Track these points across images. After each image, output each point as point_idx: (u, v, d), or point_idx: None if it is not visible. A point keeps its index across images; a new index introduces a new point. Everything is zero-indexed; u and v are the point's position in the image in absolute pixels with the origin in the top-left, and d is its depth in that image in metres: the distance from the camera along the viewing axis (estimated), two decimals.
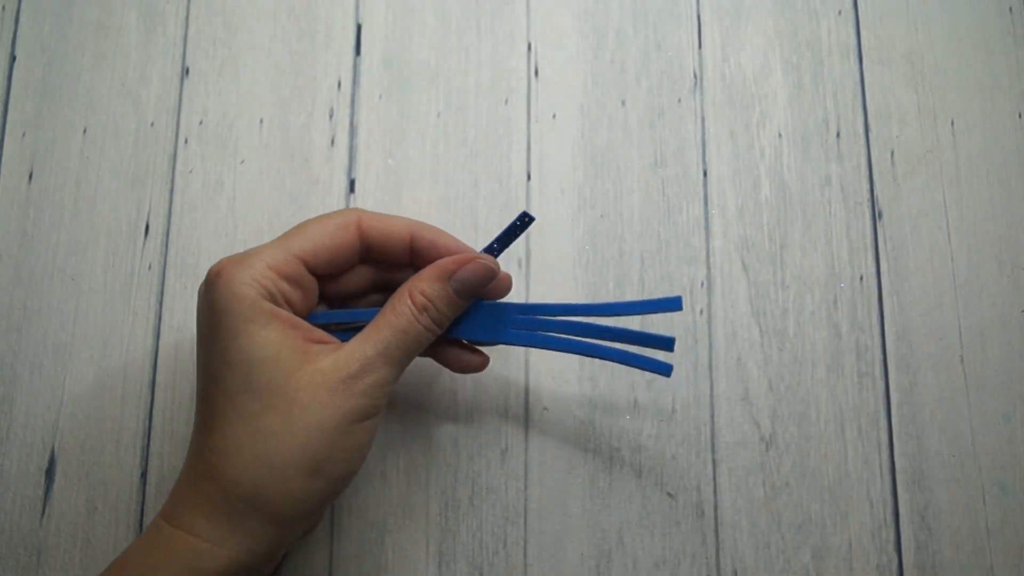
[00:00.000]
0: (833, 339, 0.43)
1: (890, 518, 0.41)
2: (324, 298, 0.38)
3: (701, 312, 0.43)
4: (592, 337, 0.36)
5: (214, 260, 0.43)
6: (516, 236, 0.36)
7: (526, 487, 0.41)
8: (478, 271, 0.35)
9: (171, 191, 0.44)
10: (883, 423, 0.42)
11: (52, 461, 0.41)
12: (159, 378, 0.42)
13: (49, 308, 0.43)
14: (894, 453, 0.42)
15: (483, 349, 0.39)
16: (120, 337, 0.42)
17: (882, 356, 0.43)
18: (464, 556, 0.40)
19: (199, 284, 0.43)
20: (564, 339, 0.36)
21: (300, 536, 0.35)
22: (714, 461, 0.42)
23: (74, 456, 0.41)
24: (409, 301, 0.34)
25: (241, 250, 0.43)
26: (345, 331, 0.36)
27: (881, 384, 0.43)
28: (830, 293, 0.44)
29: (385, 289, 0.38)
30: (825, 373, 0.43)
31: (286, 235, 0.35)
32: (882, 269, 0.44)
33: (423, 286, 0.34)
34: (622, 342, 0.36)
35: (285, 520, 0.33)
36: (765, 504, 0.41)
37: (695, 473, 0.42)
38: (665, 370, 0.36)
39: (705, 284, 0.44)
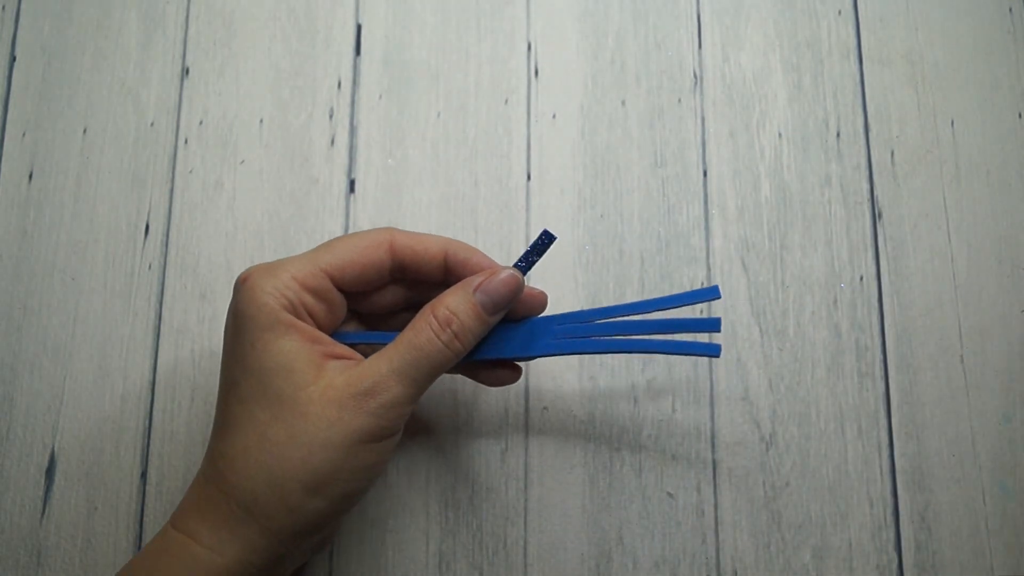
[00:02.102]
0: (833, 339, 0.43)
1: (890, 518, 0.41)
2: (356, 315, 0.37)
3: (701, 312, 0.43)
4: (633, 334, 0.35)
5: (214, 260, 0.43)
6: (540, 254, 0.36)
7: (526, 487, 0.41)
8: (506, 283, 0.34)
9: (171, 191, 0.44)
10: (883, 423, 0.42)
11: (52, 461, 0.41)
12: (159, 378, 0.42)
13: (49, 308, 0.43)
14: (894, 453, 0.42)
15: (518, 363, 0.38)
16: (120, 337, 0.43)
17: (882, 356, 0.43)
18: (464, 556, 0.40)
19: (199, 284, 0.43)
20: (606, 340, 0.35)
21: (305, 553, 0.34)
22: (714, 461, 0.42)
23: (74, 456, 0.41)
24: (431, 317, 0.33)
25: (240, 250, 0.44)
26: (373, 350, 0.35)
27: (881, 384, 0.43)
28: (830, 293, 0.44)
29: (418, 307, 0.37)
30: (825, 373, 0.43)
31: (317, 249, 0.35)
32: (882, 269, 0.44)
33: (447, 300, 0.34)
34: (666, 333, 0.35)
35: (281, 533, 0.32)
36: (765, 504, 0.41)
37: (695, 473, 0.42)
38: (714, 351, 0.34)
39: (705, 284, 0.44)
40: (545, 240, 0.35)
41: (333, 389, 0.32)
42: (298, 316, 0.33)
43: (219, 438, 0.33)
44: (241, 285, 0.33)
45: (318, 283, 0.34)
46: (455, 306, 0.34)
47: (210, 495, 0.32)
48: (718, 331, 0.35)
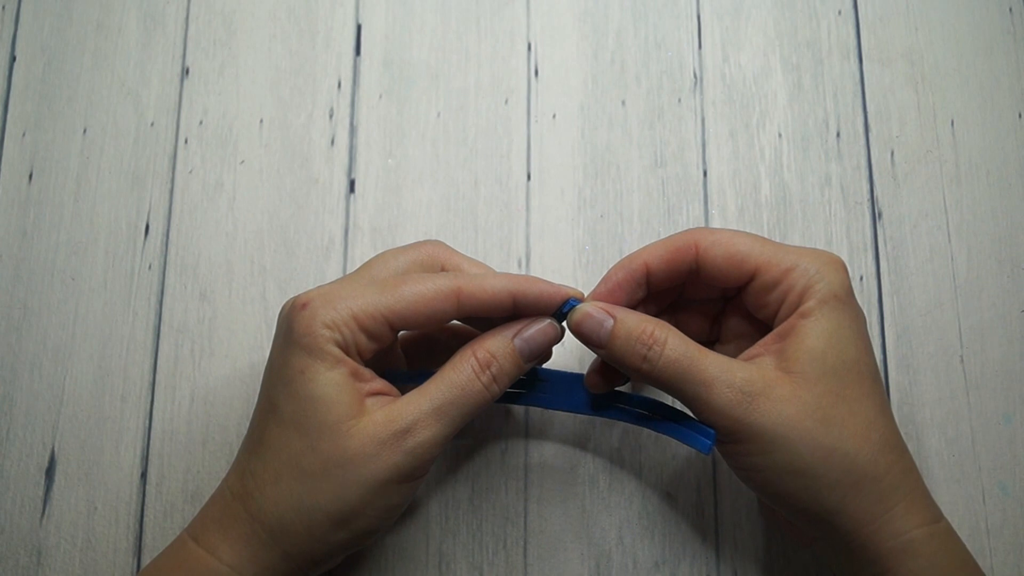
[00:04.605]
0: None
1: None
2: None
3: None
4: (637, 407, 0.37)
5: (214, 260, 0.43)
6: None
7: (526, 487, 0.41)
8: (544, 332, 0.35)
9: (171, 191, 0.44)
10: None
11: (52, 461, 0.41)
12: (159, 378, 0.42)
13: (49, 308, 0.43)
14: None
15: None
16: (120, 337, 0.43)
17: (882, 356, 0.43)
18: (464, 556, 0.40)
19: (199, 284, 0.43)
20: (617, 409, 0.37)
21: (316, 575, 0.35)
22: (714, 461, 0.42)
23: (74, 456, 0.41)
24: (473, 359, 0.34)
25: (241, 250, 0.43)
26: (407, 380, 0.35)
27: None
28: None
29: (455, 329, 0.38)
30: None
31: (382, 286, 0.34)
32: (882, 269, 0.44)
33: (487, 343, 0.34)
34: (665, 421, 0.36)
35: (302, 560, 0.33)
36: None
37: (695, 473, 0.42)
38: (704, 448, 0.35)
39: None
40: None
41: (372, 425, 0.32)
42: (347, 352, 0.33)
43: (251, 455, 0.34)
44: (300, 310, 0.33)
45: (375, 327, 0.33)
46: (495, 349, 0.34)
47: (235, 512, 0.33)
48: (705, 452, 0.35)
